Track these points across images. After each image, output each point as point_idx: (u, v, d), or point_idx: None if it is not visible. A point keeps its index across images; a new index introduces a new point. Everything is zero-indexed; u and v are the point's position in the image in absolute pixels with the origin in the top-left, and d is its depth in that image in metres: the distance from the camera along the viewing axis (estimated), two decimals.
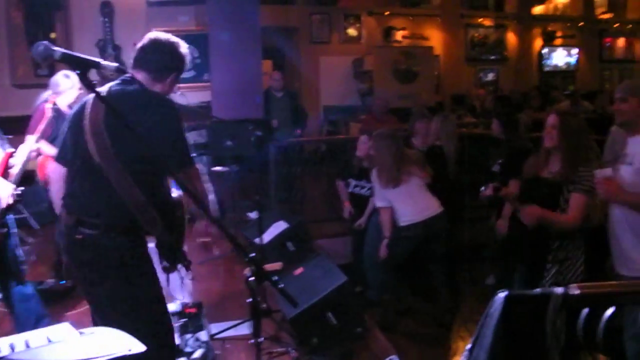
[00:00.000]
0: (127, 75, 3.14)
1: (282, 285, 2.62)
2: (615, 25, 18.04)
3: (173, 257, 3.25)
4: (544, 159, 4.24)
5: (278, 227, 6.51)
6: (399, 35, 14.48)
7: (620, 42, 18.11)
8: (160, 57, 3.16)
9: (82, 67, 2.48)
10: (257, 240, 5.84)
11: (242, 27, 8.95)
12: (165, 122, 3.01)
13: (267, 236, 6.38)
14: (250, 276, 2.57)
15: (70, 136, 3.13)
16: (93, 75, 2.64)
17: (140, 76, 3.15)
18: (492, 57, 16.11)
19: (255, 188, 6.81)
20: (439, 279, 5.86)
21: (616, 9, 18.51)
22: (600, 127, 6.71)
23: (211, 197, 3.44)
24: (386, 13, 14.54)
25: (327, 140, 9.63)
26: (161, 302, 3.16)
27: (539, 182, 4.19)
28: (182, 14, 11.60)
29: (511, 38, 16.33)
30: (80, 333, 1.93)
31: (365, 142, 6.37)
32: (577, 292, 1.93)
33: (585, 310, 1.97)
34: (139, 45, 3.20)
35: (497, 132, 6.24)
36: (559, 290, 1.94)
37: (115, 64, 2.74)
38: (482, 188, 4.56)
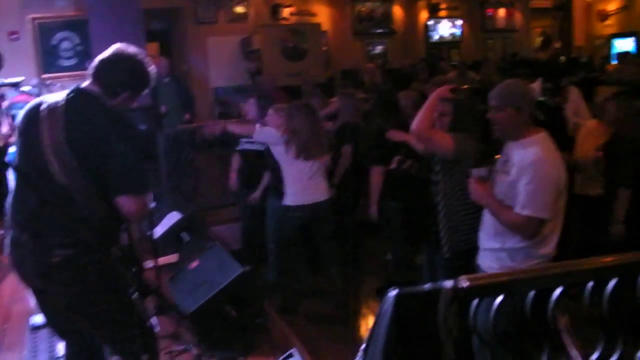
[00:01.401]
0: (83, 85, 3.10)
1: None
2: None
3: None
4: None
5: (172, 218, 6.35)
6: (286, 12, 14.36)
7: (501, 12, 18.75)
8: (115, 73, 3.11)
9: None
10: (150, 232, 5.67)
11: (123, 10, 8.59)
12: (125, 145, 2.95)
13: (161, 228, 6.23)
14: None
15: (23, 147, 3.08)
16: None
17: (94, 88, 3.09)
18: (380, 31, 16.28)
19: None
20: (330, 258, 5.87)
21: None
22: (487, 97, 6.85)
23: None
24: None
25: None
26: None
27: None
28: None
29: (397, 11, 16.54)
30: None
31: (254, 104, 6.48)
32: (466, 284, 1.92)
33: (475, 302, 1.97)
34: (100, 57, 3.14)
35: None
36: (449, 284, 1.93)
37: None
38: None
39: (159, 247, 5.67)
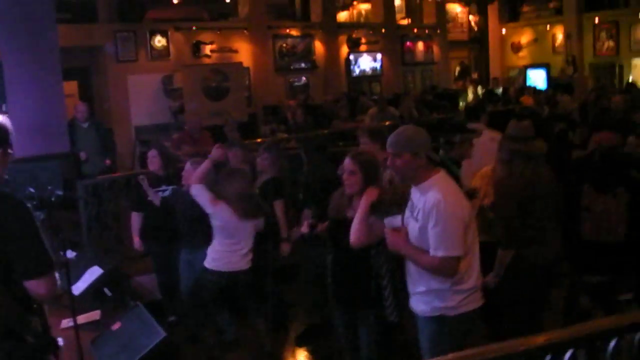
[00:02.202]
0: None
1: None
2: (414, 30, 19.10)
3: None
4: (348, 200, 4.27)
5: (93, 274, 6.19)
6: (207, 49, 14.42)
7: (420, 45, 19.27)
8: None
9: None
10: (72, 287, 5.53)
11: (40, 50, 8.37)
12: (18, 225, 2.82)
13: (82, 284, 6.08)
14: None
15: None
16: None
17: None
18: (302, 66, 16.52)
19: (66, 225, 6.45)
20: (253, 312, 5.85)
21: (414, 15, 19.65)
22: None
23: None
24: (193, 28, 14.46)
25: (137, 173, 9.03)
26: None
27: (346, 223, 4.15)
28: None
29: (319, 46, 16.83)
30: None
31: (156, 156, 6.38)
32: None
33: None
34: None
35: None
36: None
37: None
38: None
39: (79, 304, 5.54)
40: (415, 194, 3.76)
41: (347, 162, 4.18)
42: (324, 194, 5.54)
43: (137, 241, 6.58)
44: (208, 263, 5.53)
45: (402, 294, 4.20)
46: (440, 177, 3.72)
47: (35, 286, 2.84)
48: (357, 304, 4.36)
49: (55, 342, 3.15)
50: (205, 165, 5.47)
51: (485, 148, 5.97)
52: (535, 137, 4.95)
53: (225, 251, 5.47)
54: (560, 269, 5.07)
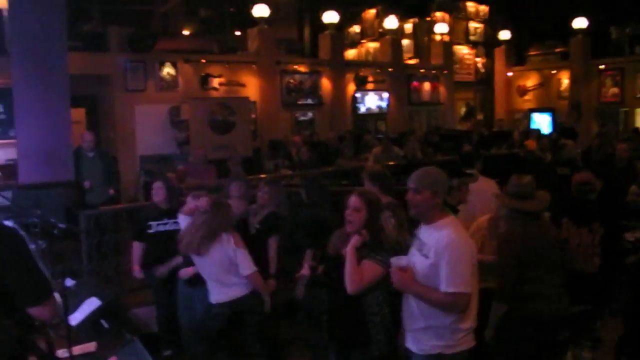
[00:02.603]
0: None
1: None
2: (421, 71, 19.26)
3: None
4: (345, 238, 4.28)
5: (90, 305, 6.17)
6: (215, 82, 14.51)
7: (426, 85, 19.40)
8: None
9: None
10: (70, 317, 5.51)
11: (49, 77, 8.44)
12: (12, 255, 2.91)
13: (80, 315, 6.06)
14: None
15: None
16: None
17: None
18: (308, 102, 16.61)
19: (67, 253, 6.45)
20: (254, 348, 5.81)
21: (421, 55, 19.84)
22: (410, 173, 6.94)
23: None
24: (202, 60, 14.56)
25: (139, 206, 8.98)
26: None
27: (341, 260, 4.18)
28: None
29: (326, 83, 16.93)
30: None
31: (161, 188, 6.41)
32: None
33: None
34: None
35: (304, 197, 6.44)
36: None
37: None
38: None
39: (75, 335, 5.51)
40: (425, 232, 3.91)
41: (354, 199, 4.23)
42: (322, 233, 5.59)
43: (136, 269, 6.58)
44: (210, 298, 5.55)
45: (392, 332, 4.22)
46: (452, 220, 3.92)
47: (38, 312, 2.96)
48: (350, 343, 4.36)
49: None
50: (189, 206, 5.53)
51: (479, 194, 6.03)
52: (536, 191, 4.95)
53: (214, 282, 5.48)
54: (561, 324, 5.04)
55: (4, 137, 10.39)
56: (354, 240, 4.12)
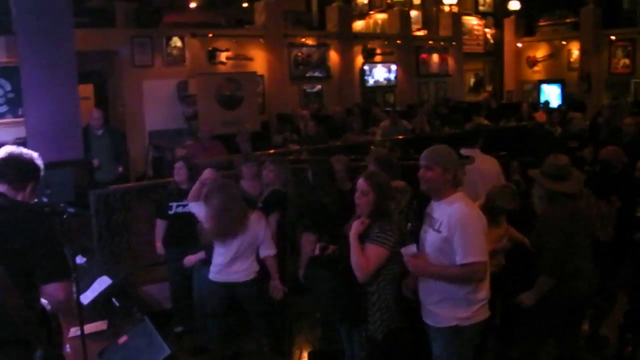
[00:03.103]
0: None
1: None
2: (429, 42, 19.12)
3: None
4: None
5: (101, 283, 6.26)
6: (223, 56, 14.48)
7: (435, 57, 19.25)
8: (19, 169, 3.31)
9: None
10: (81, 296, 5.59)
11: (56, 54, 8.44)
12: (44, 233, 3.12)
13: (91, 293, 6.14)
14: None
15: None
16: None
17: (1, 188, 3.26)
18: (316, 75, 16.54)
19: (78, 231, 6.51)
20: (258, 329, 5.88)
21: (430, 27, 19.67)
22: (419, 147, 6.93)
23: None
24: (210, 35, 14.49)
25: (149, 184, 8.96)
26: None
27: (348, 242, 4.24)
28: None
29: (333, 56, 16.85)
30: None
31: (182, 167, 6.49)
32: None
33: None
34: None
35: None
36: None
37: None
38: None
39: (87, 313, 5.59)
40: (436, 208, 4.04)
41: (361, 182, 4.27)
42: (325, 220, 5.64)
43: (159, 246, 6.69)
44: (210, 275, 5.60)
45: (392, 312, 4.25)
46: (462, 195, 4.05)
47: (55, 290, 3.09)
48: (350, 320, 4.51)
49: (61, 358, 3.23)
50: (195, 186, 5.65)
51: (480, 173, 6.08)
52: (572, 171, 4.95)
53: (220, 264, 5.51)
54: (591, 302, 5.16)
55: (13, 115, 10.42)
56: (355, 228, 4.17)
